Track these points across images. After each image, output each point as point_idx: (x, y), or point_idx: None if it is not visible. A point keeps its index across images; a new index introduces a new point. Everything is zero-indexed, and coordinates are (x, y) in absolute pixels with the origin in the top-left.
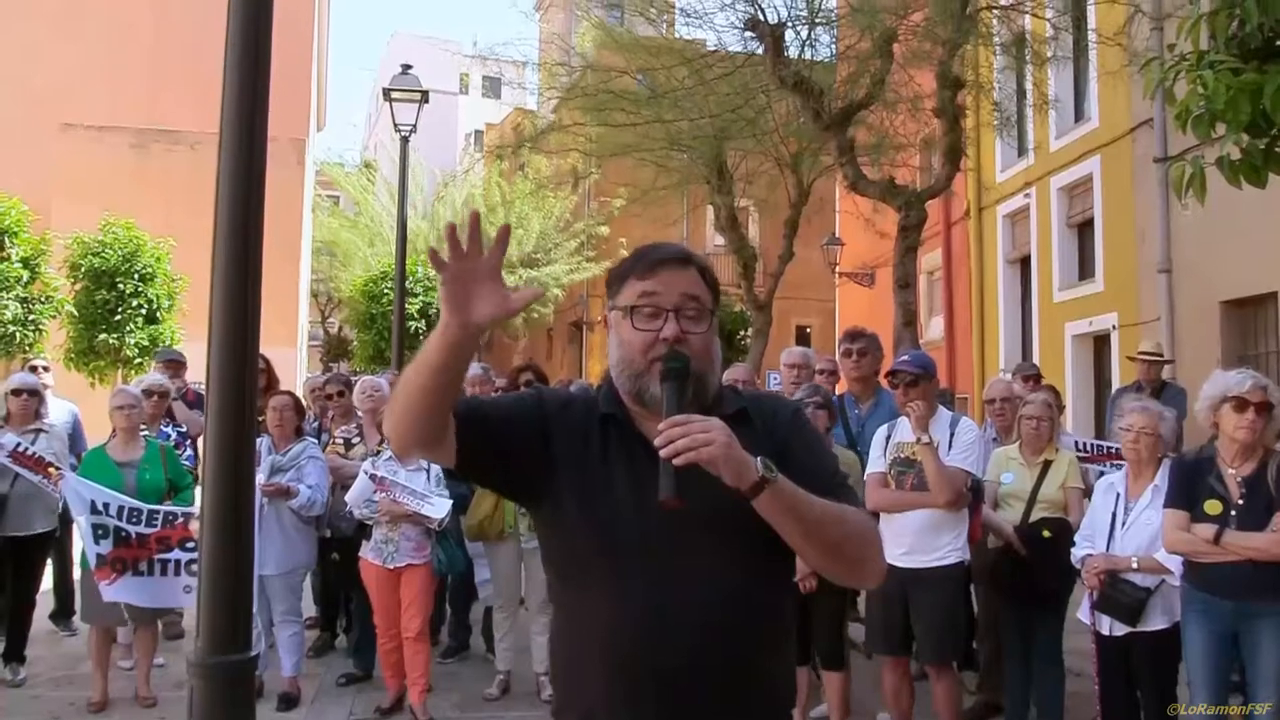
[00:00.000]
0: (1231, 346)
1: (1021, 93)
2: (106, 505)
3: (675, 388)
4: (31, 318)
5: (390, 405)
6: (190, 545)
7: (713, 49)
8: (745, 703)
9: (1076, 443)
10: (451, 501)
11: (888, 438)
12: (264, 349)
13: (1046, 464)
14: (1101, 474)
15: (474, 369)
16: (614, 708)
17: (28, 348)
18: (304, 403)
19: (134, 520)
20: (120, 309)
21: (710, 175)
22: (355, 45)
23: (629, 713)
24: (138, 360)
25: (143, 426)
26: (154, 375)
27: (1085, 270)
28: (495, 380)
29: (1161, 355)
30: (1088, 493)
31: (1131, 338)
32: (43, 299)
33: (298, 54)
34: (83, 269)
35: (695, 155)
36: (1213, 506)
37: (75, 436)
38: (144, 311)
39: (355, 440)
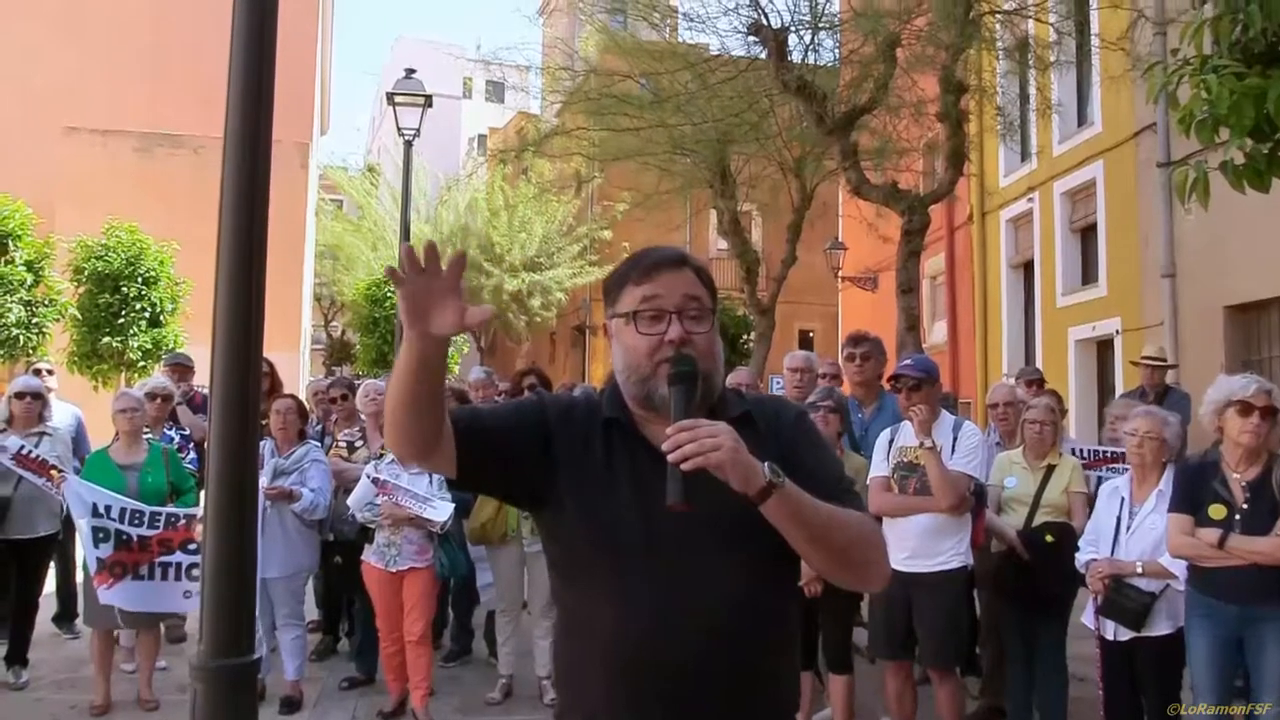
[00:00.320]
0: (1235, 351)
1: (1025, 97)
2: (108, 508)
3: (683, 391)
4: (35, 321)
5: (385, 420)
6: (192, 548)
7: (716, 53)
8: (749, 707)
9: (1073, 450)
10: (454, 505)
11: (890, 441)
12: (267, 352)
13: (1050, 469)
14: (1100, 480)
15: (478, 373)
16: (617, 712)
17: (31, 351)
18: (307, 406)
19: (136, 522)
20: (124, 312)
21: (713, 179)
22: (359, 49)
23: (632, 716)
24: (141, 363)
25: (146, 429)
26: (157, 378)
27: (1088, 275)
28: (499, 384)
29: (1165, 360)
30: (1089, 498)
31: (1135, 342)
32: (46, 302)
33: (301, 58)
34: (86, 272)
35: (698, 159)
36: (1217, 511)
37: (78, 439)
38: (147, 315)
39: (358, 444)
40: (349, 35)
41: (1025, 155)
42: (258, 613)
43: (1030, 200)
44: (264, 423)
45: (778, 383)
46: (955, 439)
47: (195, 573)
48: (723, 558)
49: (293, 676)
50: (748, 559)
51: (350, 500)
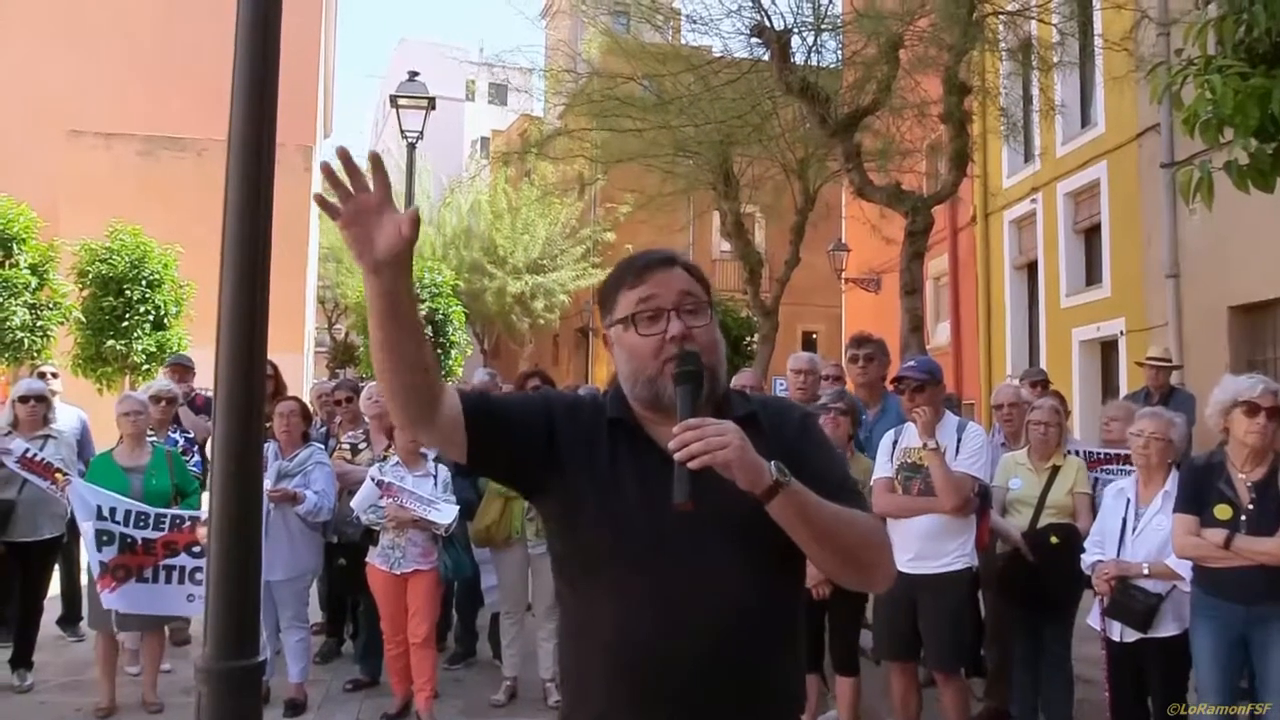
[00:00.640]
0: (1240, 352)
1: (1028, 98)
2: (113, 510)
3: (689, 390)
4: (39, 324)
5: (383, 390)
6: (196, 550)
7: (719, 55)
8: (754, 707)
9: (1075, 451)
10: (458, 507)
11: (894, 442)
12: (270, 354)
13: (1054, 469)
14: (1096, 480)
15: (481, 375)
16: (622, 712)
17: (36, 354)
18: (311, 408)
19: (141, 525)
20: (127, 315)
21: (716, 181)
22: (362, 52)
23: (637, 717)
24: (145, 366)
25: (151, 432)
26: (161, 381)
27: (1092, 276)
28: (502, 386)
29: (1170, 361)
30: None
31: (1139, 343)
32: (50, 305)
33: (305, 60)
34: (90, 275)
35: (701, 161)
36: (1223, 511)
37: (83, 442)
38: (151, 318)
39: (361, 446)
40: (352, 38)
41: (1029, 156)
42: (262, 615)
43: (1034, 201)
44: (267, 425)
45: (781, 384)
46: (960, 440)
47: (199, 576)
48: (729, 558)
49: (297, 679)
50: (754, 559)
51: (355, 502)
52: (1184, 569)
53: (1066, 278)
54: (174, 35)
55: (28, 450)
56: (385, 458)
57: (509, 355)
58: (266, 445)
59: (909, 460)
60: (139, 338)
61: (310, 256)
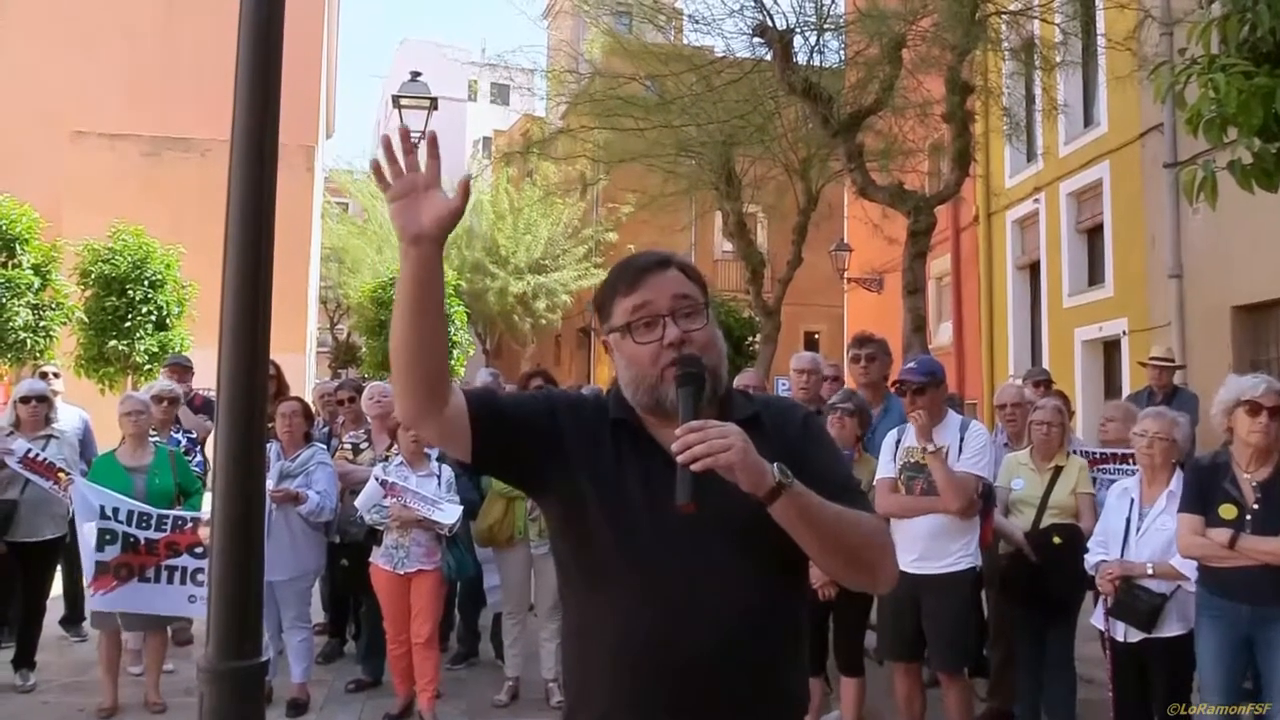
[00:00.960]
0: (1243, 352)
1: (1031, 98)
2: (115, 510)
3: (691, 393)
4: (42, 324)
5: (392, 370)
6: (199, 551)
7: (721, 55)
8: (758, 708)
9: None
10: (462, 507)
11: (897, 443)
12: (273, 355)
13: (1057, 470)
14: (1094, 480)
15: (484, 375)
16: (625, 713)
17: (38, 354)
18: (313, 409)
19: (143, 525)
20: (130, 316)
21: (718, 181)
22: (364, 52)
23: (640, 717)
24: (147, 367)
25: (153, 432)
26: (163, 381)
27: (1095, 275)
28: (505, 386)
29: (1173, 361)
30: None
31: (1142, 343)
32: (53, 306)
33: (307, 61)
34: (93, 276)
35: (703, 161)
36: (1227, 511)
37: (85, 442)
38: (153, 318)
39: (363, 445)
40: (354, 38)
41: (1031, 156)
42: (264, 615)
43: (1036, 201)
44: (270, 425)
45: (783, 384)
46: (962, 439)
47: (201, 577)
48: (732, 560)
49: (300, 679)
50: (757, 561)
51: (358, 502)
52: (1189, 569)
53: (1069, 277)
54: (177, 36)
55: (30, 450)
56: (387, 458)
57: (511, 355)
58: (269, 445)
59: (912, 460)
60: (141, 338)
61: (312, 257)
